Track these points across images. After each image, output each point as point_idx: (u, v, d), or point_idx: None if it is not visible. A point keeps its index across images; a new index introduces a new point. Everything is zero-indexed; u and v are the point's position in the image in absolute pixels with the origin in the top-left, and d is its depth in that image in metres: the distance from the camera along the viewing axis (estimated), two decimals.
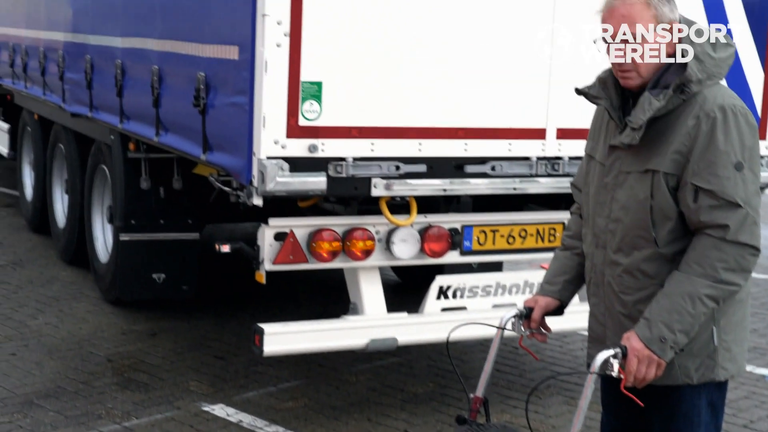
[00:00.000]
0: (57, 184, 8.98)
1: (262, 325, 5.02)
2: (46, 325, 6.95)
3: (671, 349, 2.92)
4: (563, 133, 5.32)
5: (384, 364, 6.45)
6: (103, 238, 7.72)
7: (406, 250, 5.28)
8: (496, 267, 6.91)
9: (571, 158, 5.34)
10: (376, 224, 5.22)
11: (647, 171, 3.01)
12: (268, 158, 4.67)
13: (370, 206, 5.24)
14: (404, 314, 5.40)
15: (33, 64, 8.84)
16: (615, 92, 3.14)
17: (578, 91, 3.26)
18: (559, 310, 3.40)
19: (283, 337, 5.10)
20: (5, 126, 10.78)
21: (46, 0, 8.58)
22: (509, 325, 3.37)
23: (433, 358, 6.57)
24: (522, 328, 3.38)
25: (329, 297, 7.59)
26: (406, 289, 7.74)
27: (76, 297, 7.68)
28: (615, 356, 2.93)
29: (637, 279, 3.06)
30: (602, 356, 2.93)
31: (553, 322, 3.43)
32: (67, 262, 8.57)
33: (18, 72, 9.44)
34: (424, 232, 5.31)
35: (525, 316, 3.37)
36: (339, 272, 5.54)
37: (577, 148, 5.31)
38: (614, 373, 2.93)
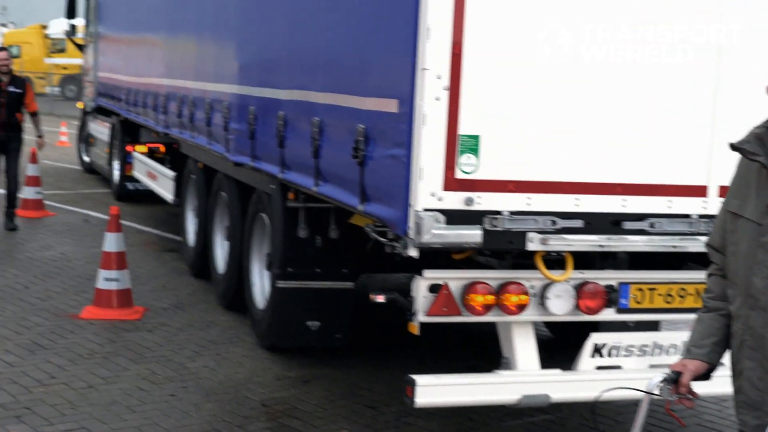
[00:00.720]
0: (218, 231, 9.24)
1: (415, 377, 5.03)
2: (204, 368, 7.14)
3: None
4: (726, 192, 5.19)
5: (535, 420, 6.36)
6: (260, 284, 7.90)
7: (560, 306, 5.23)
8: (653, 326, 6.76)
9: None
10: (530, 279, 5.19)
11: None
12: (425, 210, 4.72)
13: (525, 260, 5.21)
14: (557, 371, 5.33)
15: (199, 114, 9.17)
16: None
17: (733, 147, 3.18)
18: (707, 375, 3.31)
19: (435, 390, 5.10)
20: (171, 173, 11.19)
21: (214, 54, 8.91)
22: (656, 390, 3.29)
23: (585, 416, 6.45)
24: (669, 393, 3.29)
25: (481, 350, 7.56)
26: (558, 345, 7.63)
27: (234, 341, 7.86)
28: None
29: None
30: None
31: (706, 387, 3.34)
32: (225, 307, 8.79)
33: (185, 122, 9.80)
34: (579, 289, 5.25)
35: (672, 380, 3.28)
36: (492, 325, 5.52)
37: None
38: None
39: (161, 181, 11.71)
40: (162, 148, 12.73)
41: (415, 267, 5.25)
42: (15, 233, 11.98)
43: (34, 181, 13.56)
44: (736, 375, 3.19)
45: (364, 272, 7.52)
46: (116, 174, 15.15)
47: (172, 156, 11.95)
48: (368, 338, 8.07)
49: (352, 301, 7.16)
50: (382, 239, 5.33)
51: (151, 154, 12.85)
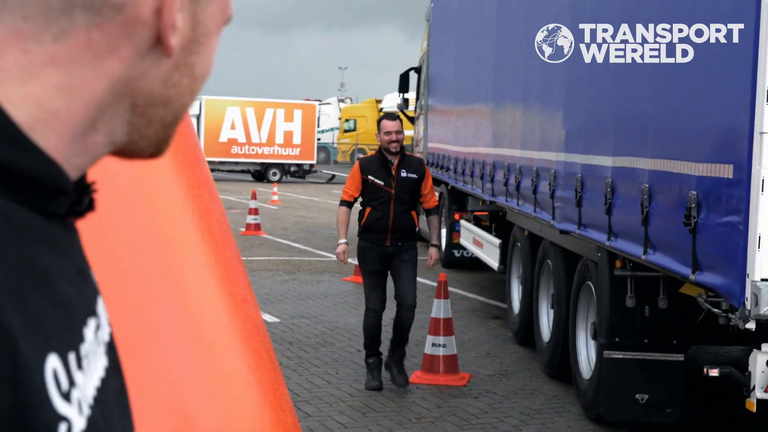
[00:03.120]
0: (543, 299, 9.23)
1: None
2: None
3: None
4: None
5: None
6: (586, 353, 7.78)
7: None
8: None
9: None
10: None
11: None
12: (763, 280, 4.48)
13: None
14: None
15: (526, 183, 9.24)
16: None
17: None
18: None
19: None
20: (497, 241, 11.33)
21: (540, 122, 8.98)
22: None
23: None
24: None
25: None
26: None
27: (558, 411, 7.77)
28: None
29: None
30: None
31: None
32: (550, 376, 8.72)
33: (511, 190, 9.91)
34: None
35: None
36: None
37: None
38: None
39: (487, 249, 11.88)
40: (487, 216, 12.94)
41: (751, 340, 4.98)
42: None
43: None
44: None
45: (694, 344, 7.24)
46: (444, 241, 15.53)
47: (497, 224, 12.10)
48: (700, 414, 7.71)
49: (682, 374, 6.89)
50: (715, 310, 5.11)
51: (477, 221, 13.09)
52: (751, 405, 4.89)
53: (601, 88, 7.19)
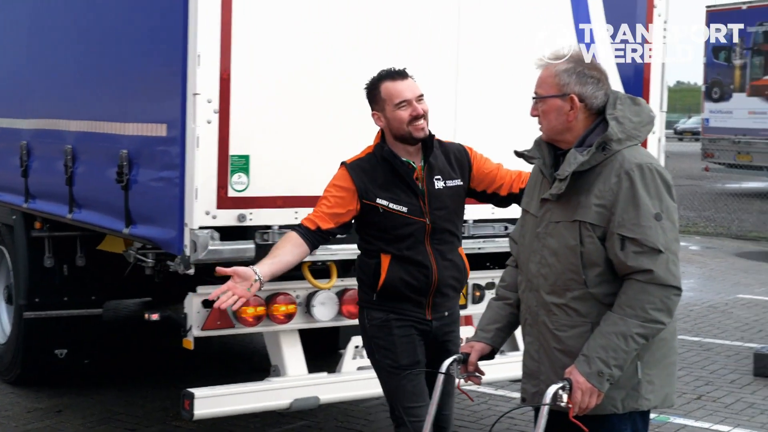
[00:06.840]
0: None
1: (192, 390, 5.19)
2: None
3: (607, 381, 3.33)
4: None
5: (294, 427, 6.66)
6: None
7: (325, 313, 5.57)
8: None
9: (475, 221, 5.77)
10: (296, 288, 5.50)
11: (575, 221, 3.44)
12: (200, 228, 4.92)
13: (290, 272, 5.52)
14: (324, 374, 5.67)
15: None
16: (548, 153, 3.59)
17: (517, 153, 3.72)
18: (491, 355, 3.79)
19: (211, 401, 5.27)
20: None
21: None
22: (450, 370, 3.73)
23: (339, 419, 6.83)
24: (460, 372, 3.75)
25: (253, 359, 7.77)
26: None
27: None
28: (563, 389, 3.31)
29: (571, 317, 3.46)
30: (552, 390, 3.31)
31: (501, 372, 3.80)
32: None
33: None
34: (341, 295, 5.62)
35: (462, 361, 3.74)
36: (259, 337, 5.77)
37: (477, 212, 5.71)
38: (563, 404, 3.31)
39: None
40: None
41: (160, 290, 5.38)
42: None
43: None
44: (524, 351, 3.69)
45: (112, 298, 7.59)
46: None
47: None
48: (121, 362, 8.07)
49: (100, 327, 7.21)
50: (145, 260, 5.50)
51: None
52: (189, 343, 5.31)
53: (16, 47, 7.13)
